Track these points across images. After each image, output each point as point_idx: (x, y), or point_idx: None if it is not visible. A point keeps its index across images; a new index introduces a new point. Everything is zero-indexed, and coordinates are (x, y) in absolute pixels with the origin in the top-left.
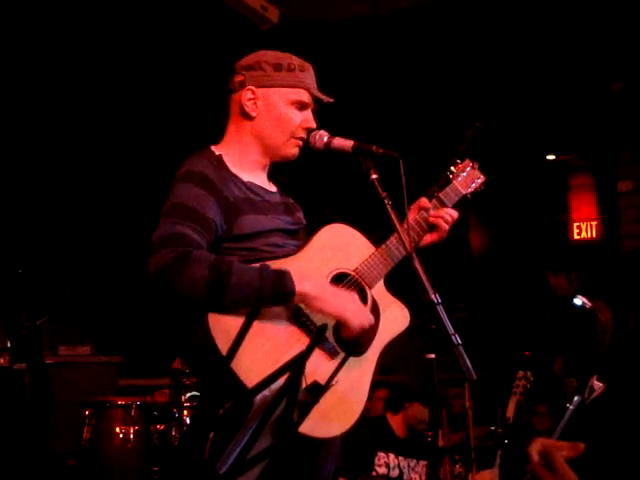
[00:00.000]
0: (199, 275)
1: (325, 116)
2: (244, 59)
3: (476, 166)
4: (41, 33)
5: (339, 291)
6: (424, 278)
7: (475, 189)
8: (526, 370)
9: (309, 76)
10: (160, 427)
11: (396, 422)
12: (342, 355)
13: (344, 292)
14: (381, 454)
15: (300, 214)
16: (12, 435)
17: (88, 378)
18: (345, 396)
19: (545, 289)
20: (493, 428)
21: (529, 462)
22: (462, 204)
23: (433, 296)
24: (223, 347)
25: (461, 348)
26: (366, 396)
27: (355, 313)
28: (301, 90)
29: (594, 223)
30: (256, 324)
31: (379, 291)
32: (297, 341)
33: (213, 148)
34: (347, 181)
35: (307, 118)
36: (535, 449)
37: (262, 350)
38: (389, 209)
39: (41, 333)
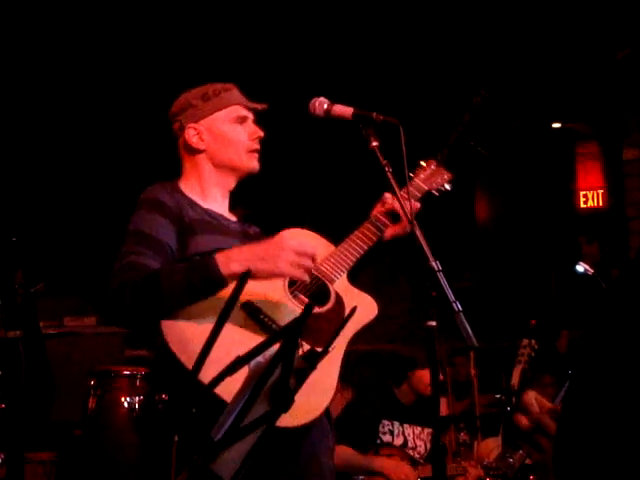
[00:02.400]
0: (137, 296)
1: (326, 83)
2: (172, 107)
3: (441, 164)
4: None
5: (266, 250)
6: (425, 245)
7: (440, 185)
8: (530, 338)
9: (235, 93)
10: (165, 397)
11: (400, 392)
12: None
13: (271, 249)
14: (385, 422)
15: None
16: (12, 405)
17: (94, 349)
18: (311, 388)
19: (576, 256)
20: (498, 396)
21: (528, 416)
22: (427, 199)
23: (433, 263)
24: (177, 349)
25: (462, 315)
26: (333, 389)
27: (287, 260)
28: (234, 106)
29: (600, 191)
30: (206, 323)
31: (342, 286)
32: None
33: (175, 180)
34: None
35: (252, 129)
36: (532, 398)
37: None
38: (390, 176)
39: (35, 301)
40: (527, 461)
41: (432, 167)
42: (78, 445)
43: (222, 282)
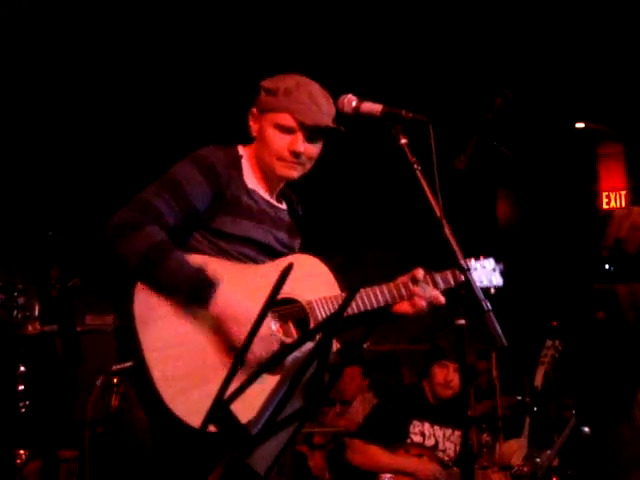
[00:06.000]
0: (139, 247)
1: (354, 80)
2: (268, 81)
3: (498, 268)
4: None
5: (243, 317)
6: (454, 244)
7: (484, 288)
8: (554, 340)
9: (297, 99)
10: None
11: (428, 389)
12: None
13: (249, 319)
14: (416, 422)
15: (297, 241)
16: (42, 401)
17: (114, 347)
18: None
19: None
20: (520, 398)
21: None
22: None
23: (463, 262)
24: (138, 314)
25: (491, 314)
26: None
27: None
28: (283, 114)
29: (623, 192)
30: (177, 309)
31: None
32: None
33: (240, 147)
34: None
35: (292, 141)
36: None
37: (171, 332)
38: (418, 174)
39: (72, 296)
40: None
41: (489, 266)
42: (101, 442)
43: (204, 307)
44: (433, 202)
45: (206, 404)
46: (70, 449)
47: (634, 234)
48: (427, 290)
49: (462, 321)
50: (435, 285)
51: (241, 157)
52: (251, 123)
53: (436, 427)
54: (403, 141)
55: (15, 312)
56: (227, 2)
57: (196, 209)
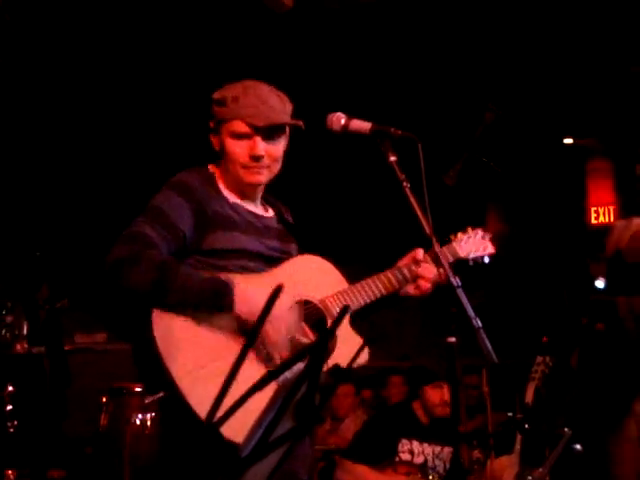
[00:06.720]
0: (146, 274)
1: (343, 98)
2: (217, 92)
3: (487, 237)
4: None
5: (275, 315)
6: (445, 262)
7: (478, 257)
8: (545, 355)
9: (246, 103)
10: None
11: (419, 409)
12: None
13: (282, 315)
14: (404, 441)
15: (293, 246)
16: (31, 420)
17: (104, 365)
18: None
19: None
20: (511, 414)
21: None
22: (460, 267)
23: (453, 279)
24: (160, 342)
25: (482, 331)
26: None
27: (278, 346)
28: (235, 122)
29: (612, 208)
30: (198, 330)
31: (342, 325)
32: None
33: (210, 167)
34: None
35: (250, 146)
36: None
37: (198, 355)
38: (407, 192)
39: (60, 317)
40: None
41: (477, 236)
42: (89, 463)
43: (229, 312)
44: (422, 219)
45: (250, 419)
46: (58, 469)
47: (634, 245)
48: (431, 270)
49: (453, 339)
50: (436, 261)
51: (214, 175)
52: (211, 138)
53: (425, 444)
54: (392, 158)
55: (3, 331)
56: (217, 22)
57: (183, 232)
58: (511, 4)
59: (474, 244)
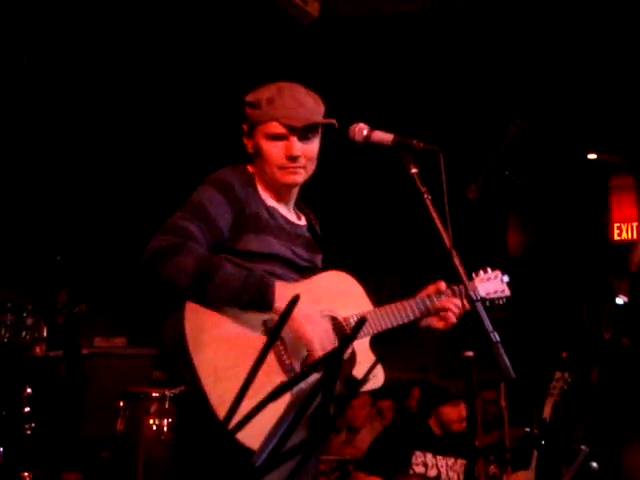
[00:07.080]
0: (186, 265)
1: (366, 109)
2: (250, 94)
3: (505, 280)
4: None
5: (314, 317)
6: (463, 275)
7: (495, 299)
8: (564, 371)
9: (282, 105)
10: None
11: (433, 422)
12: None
13: (318, 319)
14: (418, 453)
15: (319, 257)
16: (47, 424)
17: (122, 369)
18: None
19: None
20: (528, 429)
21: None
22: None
23: (472, 293)
24: (190, 336)
25: (500, 346)
26: None
27: (322, 342)
28: (272, 123)
29: (635, 224)
30: (229, 330)
31: (362, 346)
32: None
33: (248, 167)
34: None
35: (287, 147)
36: None
37: (225, 355)
38: (429, 203)
39: (78, 321)
40: None
41: (497, 277)
42: (105, 467)
43: (268, 311)
44: (443, 232)
45: (268, 425)
46: (74, 472)
47: None
48: (457, 303)
49: (470, 353)
50: (459, 295)
51: (253, 175)
52: (245, 141)
53: (439, 457)
54: (414, 171)
55: (23, 333)
56: (244, 33)
57: (221, 230)
58: (538, 20)
59: (493, 285)
